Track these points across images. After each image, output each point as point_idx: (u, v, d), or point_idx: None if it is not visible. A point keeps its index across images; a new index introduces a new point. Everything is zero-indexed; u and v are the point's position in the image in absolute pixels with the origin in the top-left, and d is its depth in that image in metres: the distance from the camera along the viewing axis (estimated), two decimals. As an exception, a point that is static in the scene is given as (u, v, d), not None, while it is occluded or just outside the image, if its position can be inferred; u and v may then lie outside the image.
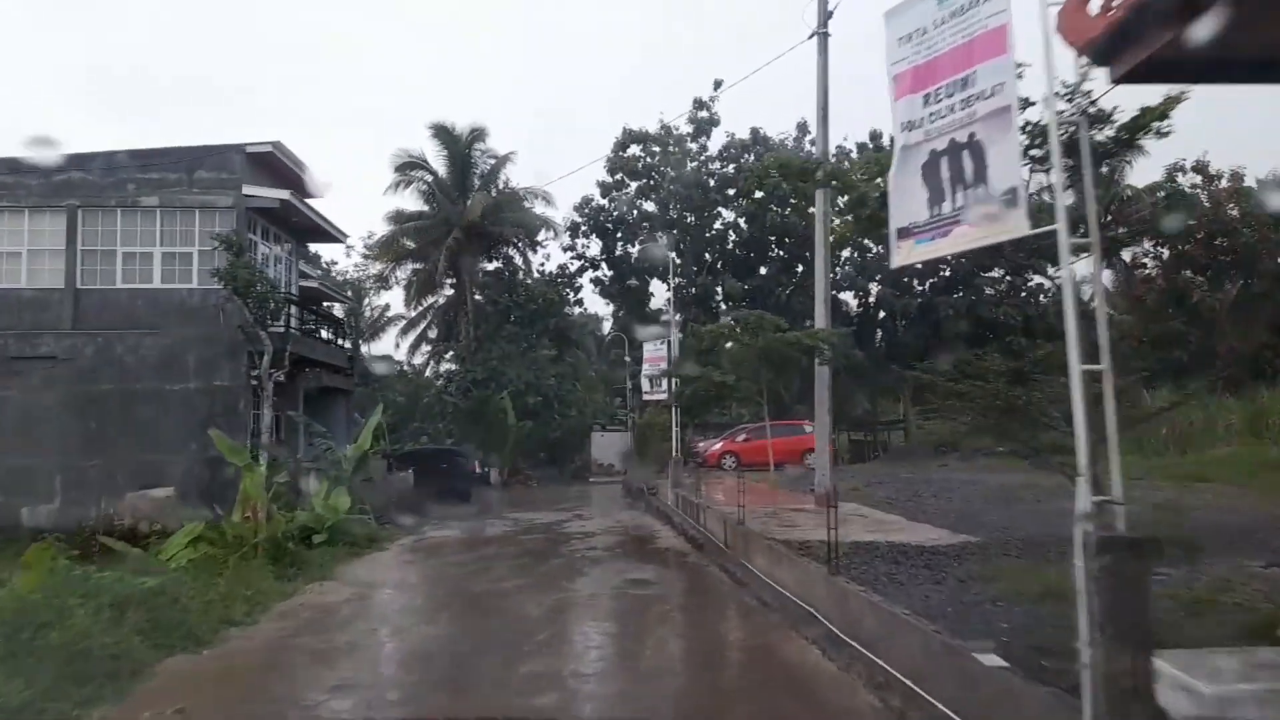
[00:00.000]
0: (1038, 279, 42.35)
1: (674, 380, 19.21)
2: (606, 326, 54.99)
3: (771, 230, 43.02)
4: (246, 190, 20.99)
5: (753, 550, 11.13)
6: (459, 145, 42.41)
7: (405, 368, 53.44)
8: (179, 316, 20.79)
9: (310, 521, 14.84)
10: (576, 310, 48.65)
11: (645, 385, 19.52)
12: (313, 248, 38.96)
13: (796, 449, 25.91)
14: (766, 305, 44.70)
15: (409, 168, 42.35)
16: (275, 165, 22.30)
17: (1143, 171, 43.27)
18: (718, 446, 26.38)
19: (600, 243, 46.07)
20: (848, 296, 43.62)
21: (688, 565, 13.77)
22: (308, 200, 24.08)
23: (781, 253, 44.81)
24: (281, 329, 20.95)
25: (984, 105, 5.08)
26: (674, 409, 18.74)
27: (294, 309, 23.20)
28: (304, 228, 24.20)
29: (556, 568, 13.76)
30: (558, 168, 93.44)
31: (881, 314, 43.82)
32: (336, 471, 17.49)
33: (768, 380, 14.55)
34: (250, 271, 19.63)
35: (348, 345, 44.75)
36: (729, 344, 14.44)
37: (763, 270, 44.81)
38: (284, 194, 21.16)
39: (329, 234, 24.92)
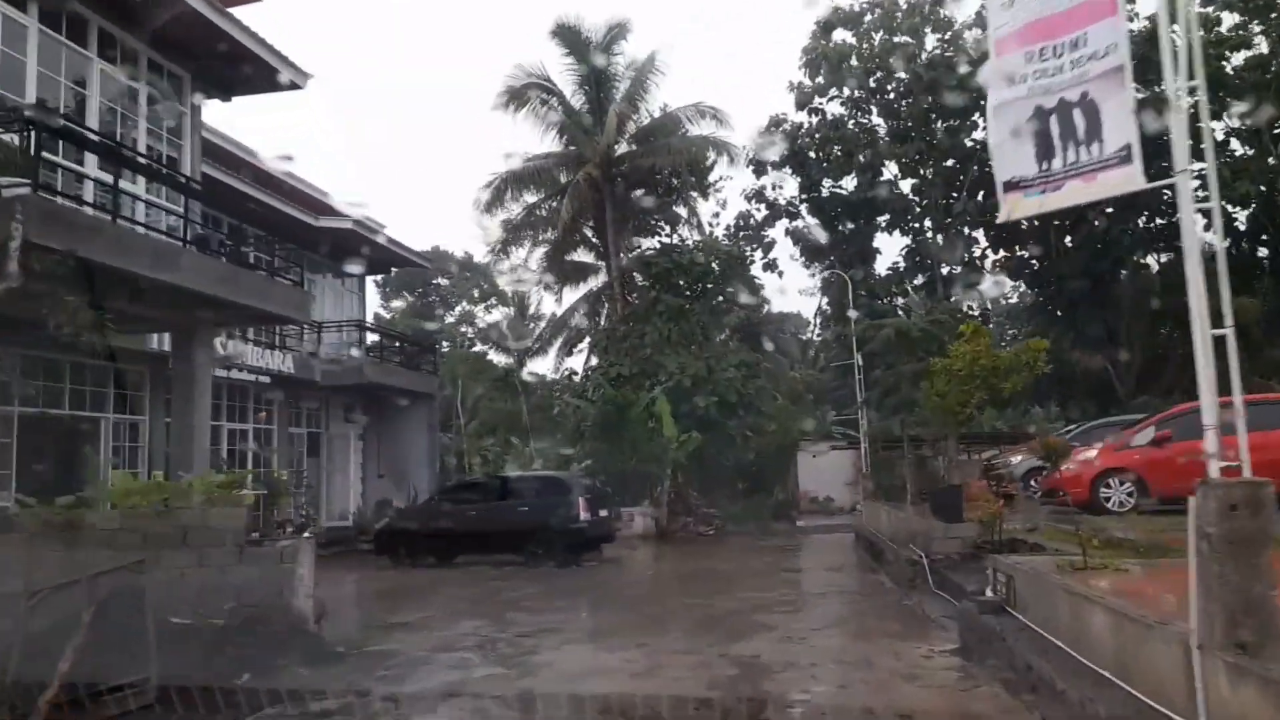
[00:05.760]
0: None
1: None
2: (808, 313, 40.52)
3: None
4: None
5: None
6: (591, 52, 29.89)
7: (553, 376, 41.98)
8: None
9: None
10: (764, 282, 34.69)
11: (1002, 168, 5.04)
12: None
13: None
14: (1069, 247, 28.99)
15: (526, 91, 30.08)
16: None
17: None
18: (1091, 460, 11.58)
19: (800, 178, 31.88)
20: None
21: None
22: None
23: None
24: (25, 189, 8.67)
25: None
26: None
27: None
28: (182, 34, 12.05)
29: None
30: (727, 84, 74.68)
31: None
32: None
33: None
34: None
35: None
36: None
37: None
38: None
39: (253, 56, 12.53)
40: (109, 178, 10.59)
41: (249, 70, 12.73)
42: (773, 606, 10.19)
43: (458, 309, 55.71)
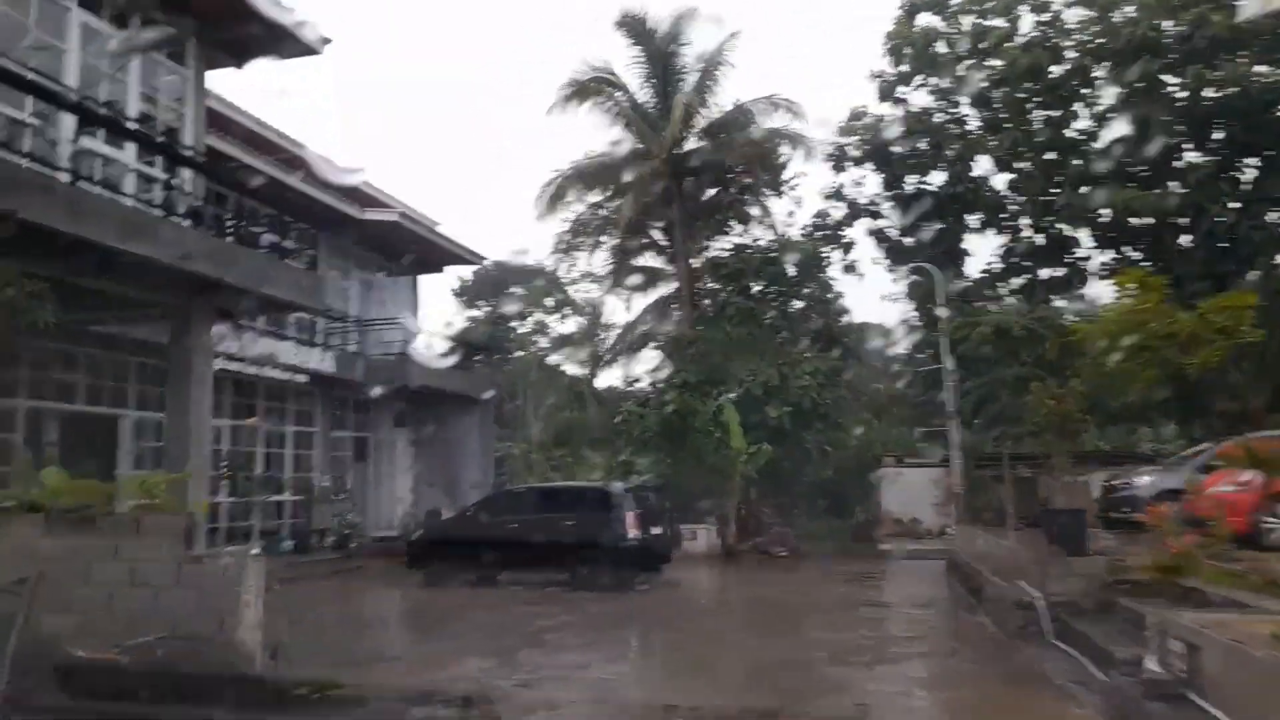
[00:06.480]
0: None
1: None
2: (890, 322, 37.88)
3: (1192, 112, 24.34)
4: None
5: None
6: (657, 43, 28.49)
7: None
8: None
9: None
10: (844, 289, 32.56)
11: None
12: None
13: None
14: (1187, 247, 25.94)
15: (591, 87, 28.69)
16: None
17: None
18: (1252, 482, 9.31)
19: (883, 173, 29.64)
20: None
21: None
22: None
23: (1199, 156, 25.78)
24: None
25: None
26: None
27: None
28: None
29: None
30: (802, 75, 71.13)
31: None
32: None
33: None
34: None
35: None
36: None
37: (1169, 185, 26.04)
38: None
39: (261, 13, 11.27)
40: (95, 145, 9.45)
41: (259, 31, 11.48)
42: (847, 655, 8.25)
43: (530, 318, 54.98)
